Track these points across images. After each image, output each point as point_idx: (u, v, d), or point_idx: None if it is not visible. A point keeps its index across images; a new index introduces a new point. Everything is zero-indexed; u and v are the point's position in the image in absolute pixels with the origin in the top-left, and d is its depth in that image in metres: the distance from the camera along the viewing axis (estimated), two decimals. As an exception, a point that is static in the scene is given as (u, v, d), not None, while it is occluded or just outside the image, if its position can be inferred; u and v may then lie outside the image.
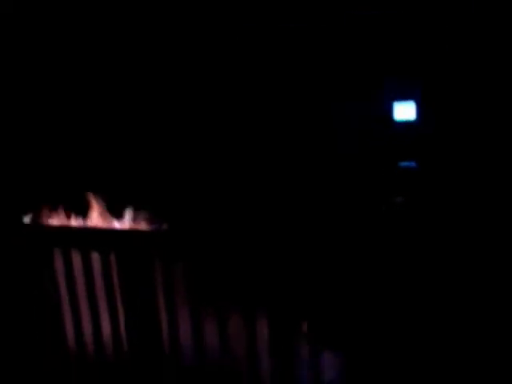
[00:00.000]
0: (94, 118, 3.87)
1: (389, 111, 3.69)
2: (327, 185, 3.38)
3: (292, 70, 3.74)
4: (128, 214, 2.68)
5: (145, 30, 3.82)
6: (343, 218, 2.85)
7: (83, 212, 2.71)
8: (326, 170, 3.56)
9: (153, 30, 3.81)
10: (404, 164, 3.35)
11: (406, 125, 3.62)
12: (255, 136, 3.74)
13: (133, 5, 3.80)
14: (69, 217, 2.69)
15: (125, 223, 2.67)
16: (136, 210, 2.69)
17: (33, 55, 3.86)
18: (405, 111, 3.63)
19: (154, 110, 3.86)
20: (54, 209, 2.70)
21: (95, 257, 2.36)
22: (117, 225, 2.69)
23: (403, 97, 3.64)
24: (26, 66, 3.85)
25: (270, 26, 3.65)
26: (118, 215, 2.71)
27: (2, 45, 3.74)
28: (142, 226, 2.64)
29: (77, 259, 2.39)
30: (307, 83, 3.72)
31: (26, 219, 2.70)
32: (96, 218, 2.69)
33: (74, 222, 2.67)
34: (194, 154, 3.75)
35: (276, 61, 3.74)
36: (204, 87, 3.82)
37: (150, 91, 3.86)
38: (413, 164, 3.33)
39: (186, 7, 3.77)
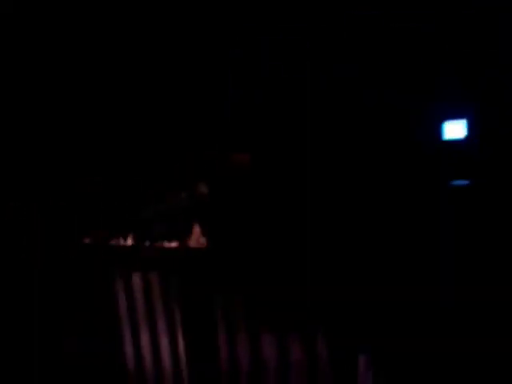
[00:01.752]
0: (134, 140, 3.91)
1: (437, 131, 3.66)
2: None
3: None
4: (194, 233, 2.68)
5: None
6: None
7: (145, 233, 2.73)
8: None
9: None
10: (457, 182, 3.29)
11: (455, 144, 3.58)
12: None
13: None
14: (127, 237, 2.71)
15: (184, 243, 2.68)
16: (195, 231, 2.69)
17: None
18: (454, 130, 3.58)
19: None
20: (115, 230, 2.73)
21: (154, 277, 2.37)
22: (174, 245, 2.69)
23: (452, 115, 3.60)
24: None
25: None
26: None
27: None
28: (202, 245, 2.64)
29: (136, 279, 2.40)
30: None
31: (88, 239, 2.73)
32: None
33: (135, 242, 2.69)
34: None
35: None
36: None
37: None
38: (466, 182, 3.27)
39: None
